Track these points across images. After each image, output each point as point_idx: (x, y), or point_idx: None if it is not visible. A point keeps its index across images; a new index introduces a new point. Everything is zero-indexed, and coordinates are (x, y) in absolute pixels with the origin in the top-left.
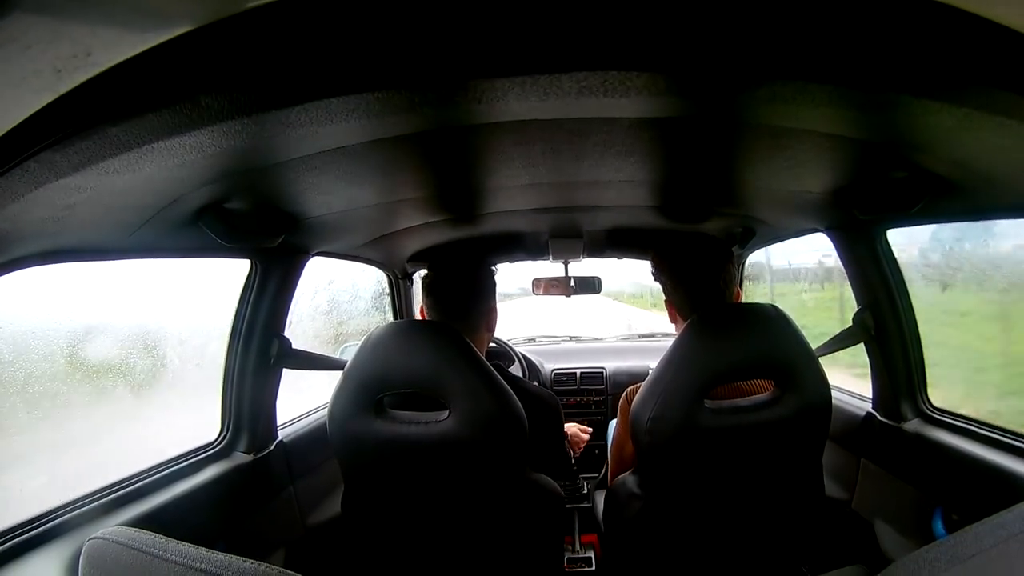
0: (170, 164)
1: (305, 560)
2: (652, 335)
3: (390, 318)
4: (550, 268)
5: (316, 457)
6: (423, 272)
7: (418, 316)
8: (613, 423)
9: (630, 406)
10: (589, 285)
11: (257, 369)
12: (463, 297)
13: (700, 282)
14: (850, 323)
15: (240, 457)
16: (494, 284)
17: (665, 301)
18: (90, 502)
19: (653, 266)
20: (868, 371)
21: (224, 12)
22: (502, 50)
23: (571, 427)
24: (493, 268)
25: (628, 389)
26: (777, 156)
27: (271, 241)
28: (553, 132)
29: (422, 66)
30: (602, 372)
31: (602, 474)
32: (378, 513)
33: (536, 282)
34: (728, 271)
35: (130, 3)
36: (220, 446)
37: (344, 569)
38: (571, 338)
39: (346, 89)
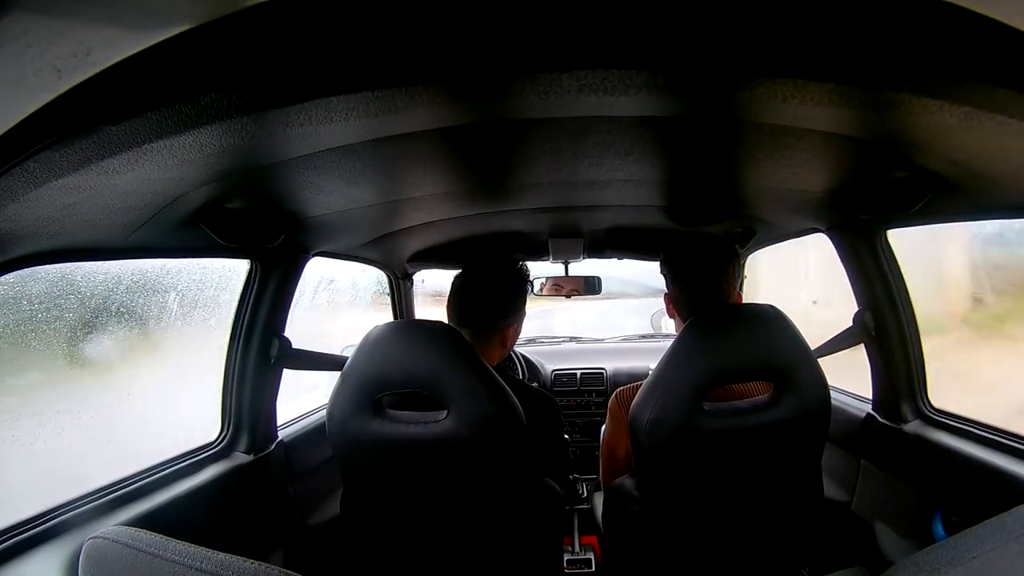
0: (170, 163)
1: (305, 560)
2: (652, 336)
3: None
4: (550, 268)
5: (316, 457)
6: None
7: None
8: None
9: (620, 408)
10: (589, 285)
11: (257, 369)
12: (484, 307)
13: (701, 281)
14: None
15: (240, 457)
16: (523, 302)
17: (664, 295)
18: (90, 501)
19: (661, 263)
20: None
21: (224, 10)
22: (501, 49)
23: None
24: (527, 285)
25: (617, 391)
26: (777, 155)
27: (271, 241)
28: (553, 131)
29: (420, 65)
30: (602, 373)
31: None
32: (377, 513)
33: (535, 282)
34: (730, 271)
35: (130, 1)
36: (220, 446)
37: (344, 569)
38: (571, 339)
39: (345, 88)
